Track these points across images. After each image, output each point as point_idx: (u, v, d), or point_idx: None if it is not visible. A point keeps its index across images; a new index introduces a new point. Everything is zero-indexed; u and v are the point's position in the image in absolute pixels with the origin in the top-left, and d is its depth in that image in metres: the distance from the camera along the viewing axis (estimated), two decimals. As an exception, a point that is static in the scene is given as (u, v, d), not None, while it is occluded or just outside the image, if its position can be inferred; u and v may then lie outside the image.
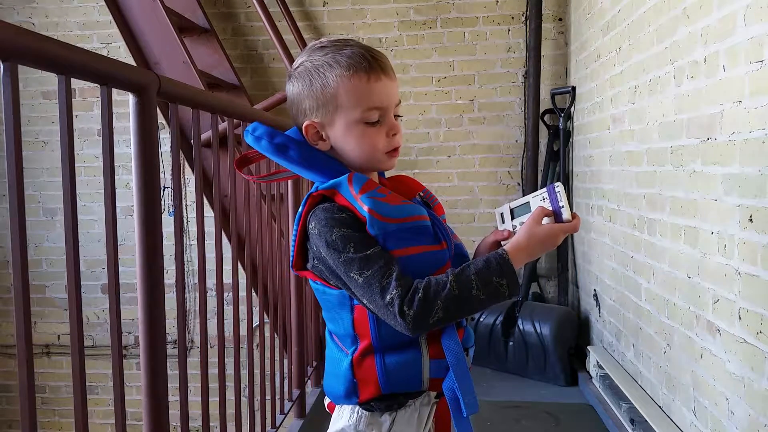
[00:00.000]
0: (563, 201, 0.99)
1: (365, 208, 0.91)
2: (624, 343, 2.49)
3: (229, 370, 1.61)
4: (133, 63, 2.82)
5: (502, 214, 1.07)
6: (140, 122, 1.09)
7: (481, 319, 3.03)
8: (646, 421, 2.05)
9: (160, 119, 1.33)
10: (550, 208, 0.99)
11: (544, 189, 1.02)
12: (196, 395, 1.46)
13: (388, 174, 1.09)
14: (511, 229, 1.04)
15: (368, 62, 0.95)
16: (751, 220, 1.44)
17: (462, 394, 0.94)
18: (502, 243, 1.01)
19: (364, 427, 0.97)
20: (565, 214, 0.99)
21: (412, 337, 0.91)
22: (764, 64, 1.38)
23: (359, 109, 0.95)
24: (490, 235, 1.07)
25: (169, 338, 1.26)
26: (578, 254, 3.27)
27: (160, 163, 1.14)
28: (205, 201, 2.62)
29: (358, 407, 0.97)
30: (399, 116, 1.01)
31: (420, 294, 0.87)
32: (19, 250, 0.80)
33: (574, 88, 3.26)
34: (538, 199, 1.02)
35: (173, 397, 1.18)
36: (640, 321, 2.28)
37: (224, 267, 1.57)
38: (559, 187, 1.00)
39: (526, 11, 3.43)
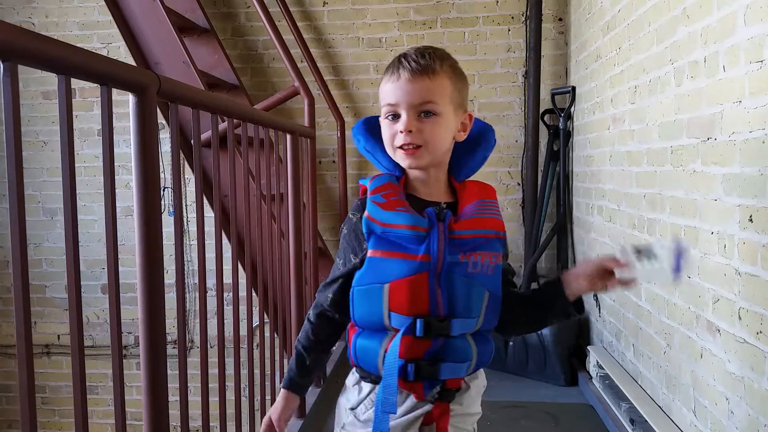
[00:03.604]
0: (684, 262, 0.97)
1: (366, 207, 1.04)
2: (624, 343, 2.49)
3: (229, 370, 1.61)
4: (133, 63, 2.82)
5: (628, 249, 1.02)
6: (140, 122, 1.09)
7: (481, 319, 3.03)
8: (646, 421, 2.05)
9: (160, 119, 1.33)
10: (671, 260, 0.97)
11: (674, 244, 0.99)
12: (196, 395, 1.46)
13: (473, 176, 1.15)
14: (630, 265, 1.00)
15: (396, 62, 1.04)
16: (751, 220, 1.44)
17: (382, 392, 1.00)
18: (616, 271, 1.01)
19: (351, 385, 1.11)
20: (679, 273, 0.97)
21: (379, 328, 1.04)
22: (764, 64, 1.38)
23: (382, 105, 1.05)
24: (606, 260, 1.03)
25: (169, 338, 1.26)
26: (578, 254, 3.27)
27: (160, 163, 1.14)
28: (205, 201, 2.62)
29: (356, 367, 1.11)
30: (430, 113, 1.01)
31: (305, 323, 1.14)
32: (19, 250, 0.80)
33: (574, 88, 3.27)
34: (659, 246, 0.99)
35: (173, 397, 1.18)
36: (640, 321, 2.28)
37: (224, 267, 1.57)
38: (688, 248, 0.99)
39: (526, 11, 3.43)
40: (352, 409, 1.09)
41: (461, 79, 1.07)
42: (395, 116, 1.03)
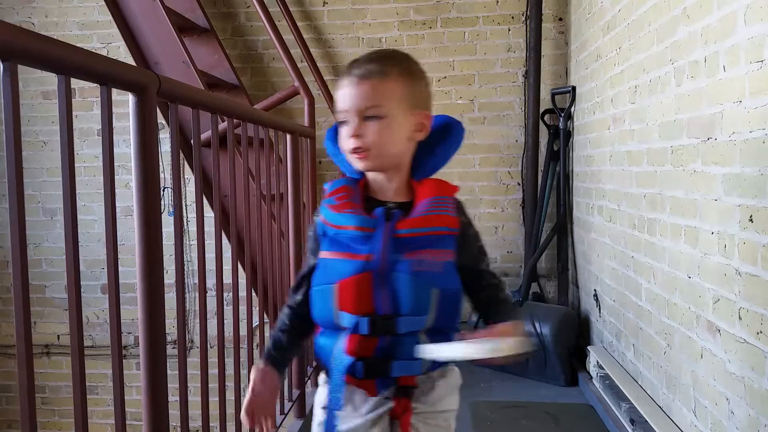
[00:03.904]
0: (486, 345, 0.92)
1: (320, 210, 1.09)
2: (624, 343, 2.49)
3: (229, 370, 1.61)
4: (133, 63, 2.82)
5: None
6: (140, 122, 1.09)
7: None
8: (646, 421, 2.05)
9: (160, 119, 1.32)
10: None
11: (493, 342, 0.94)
12: (195, 395, 1.47)
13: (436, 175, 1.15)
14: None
15: (346, 68, 1.07)
16: (751, 220, 1.44)
17: (329, 389, 1.05)
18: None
19: (322, 384, 1.14)
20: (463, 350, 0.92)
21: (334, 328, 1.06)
22: (764, 64, 1.38)
23: (336, 111, 1.08)
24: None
25: (168, 338, 1.25)
26: (578, 254, 3.27)
27: (160, 163, 1.14)
28: (205, 201, 2.62)
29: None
30: (375, 117, 1.03)
31: (281, 313, 1.17)
32: (19, 250, 0.80)
33: (574, 88, 3.27)
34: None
35: (173, 397, 1.18)
36: (640, 321, 2.28)
37: (224, 267, 1.57)
38: (500, 348, 0.92)
39: (526, 11, 3.43)
40: (324, 407, 1.11)
41: (416, 80, 1.08)
42: (346, 122, 1.05)
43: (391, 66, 1.05)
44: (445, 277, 1.04)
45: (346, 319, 1.03)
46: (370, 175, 1.11)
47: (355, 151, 1.05)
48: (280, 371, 1.14)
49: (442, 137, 1.13)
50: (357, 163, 1.07)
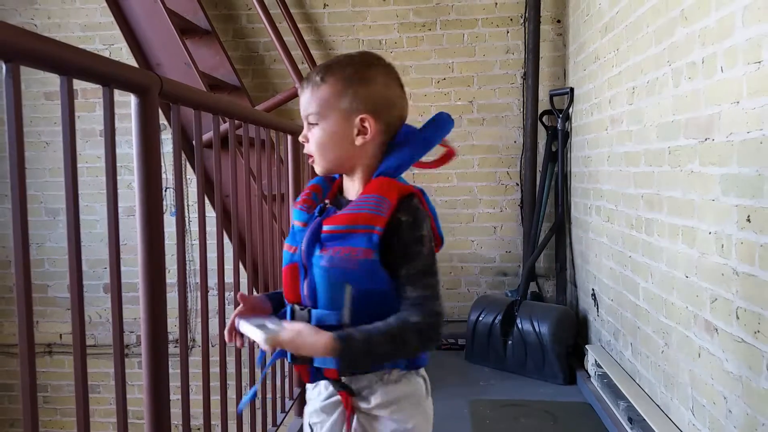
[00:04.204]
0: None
1: None
2: (622, 342, 2.50)
3: (231, 368, 1.62)
4: (135, 64, 2.83)
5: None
6: (142, 123, 1.10)
7: (480, 318, 3.05)
8: (644, 419, 2.06)
9: (162, 120, 1.34)
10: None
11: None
12: (197, 394, 1.48)
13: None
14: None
15: None
16: (748, 220, 1.45)
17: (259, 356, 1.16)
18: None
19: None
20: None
21: None
22: (762, 64, 1.39)
23: None
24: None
25: (170, 337, 1.27)
26: (576, 254, 3.28)
27: (162, 164, 1.16)
28: (207, 201, 2.63)
29: None
30: (312, 123, 1.09)
31: None
32: (22, 250, 0.81)
33: (572, 90, 3.27)
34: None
35: (175, 396, 1.19)
36: (638, 320, 2.28)
37: (225, 266, 1.58)
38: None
39: (525, 13, 3.44)
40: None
41: (355, 85, 1.06)
42: None
43: (330, 73, 1.07)
44: (362, 275, 1.02)
45: (287, 305, 1.11)
46: (343, 176, 1.16)
47: (307, 156, 1.12)
48: (273, 305, 1.15)
49: (404, 141, 1.12)
50: (314, 166, 1.13)
